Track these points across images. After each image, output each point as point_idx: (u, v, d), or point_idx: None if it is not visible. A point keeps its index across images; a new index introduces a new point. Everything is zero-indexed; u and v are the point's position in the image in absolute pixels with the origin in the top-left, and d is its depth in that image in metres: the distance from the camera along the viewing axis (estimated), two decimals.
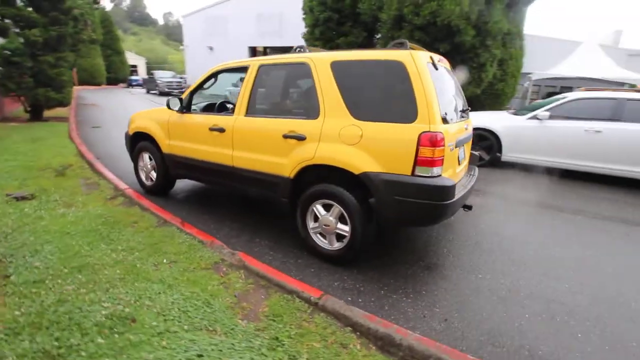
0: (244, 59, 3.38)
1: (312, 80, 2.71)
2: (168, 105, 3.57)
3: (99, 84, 26.84)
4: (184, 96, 3.63)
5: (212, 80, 3.63)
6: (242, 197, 4.24)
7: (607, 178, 5.47)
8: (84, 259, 2.47)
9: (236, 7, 24.22)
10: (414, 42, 9.17)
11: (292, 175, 2.79)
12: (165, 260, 2.55)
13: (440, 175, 2.30)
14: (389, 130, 2.34)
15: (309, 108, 2.72)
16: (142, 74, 42.83)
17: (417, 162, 2.25)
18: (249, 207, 3.98)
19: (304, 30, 12.97)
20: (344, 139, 2.50)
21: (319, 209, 2.74)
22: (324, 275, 2.60)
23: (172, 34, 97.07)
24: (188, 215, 3.57)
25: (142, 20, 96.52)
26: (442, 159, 2.27)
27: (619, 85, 16.08)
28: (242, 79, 4.60)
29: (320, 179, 2.72)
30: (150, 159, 4.10)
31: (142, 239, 2.85)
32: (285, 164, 2.82)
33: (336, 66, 2.62)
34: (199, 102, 3.99)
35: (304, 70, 2.79)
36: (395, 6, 9.02)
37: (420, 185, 2.27)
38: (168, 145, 3.78)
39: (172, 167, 3.84)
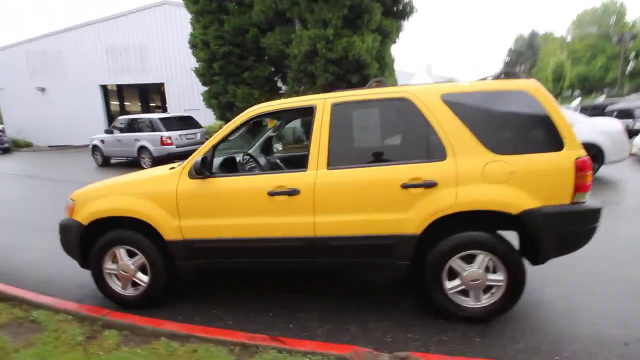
0: (296, 98, 2.62)
1: (422, 117, 2.33)
2: (197, 171, 2.41)
3: None
4: (199, 154, 2.55)
5: (243, 129, 2.69)
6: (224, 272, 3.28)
7: None
8: None
9: (75, 40, 20.03)
10: (329, 74, 9.64)
11: (419, 231, 2.29)
12: None
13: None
14: (540, 161, 2.20)
15: (429, 148, 2.31)
16: None
17: (576, 189, 2.18)
18: (261, 283, 3.10)
19: (197, 64, 11.78)
20: (489, 178, 2.21)
21: (459, 263, 2.32)
22: (495, 340, 2.18)
23: None
24: (216, 321, 2.48)
25: None
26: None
27: None
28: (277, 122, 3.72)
29: (455, 228, 2.33)
30: (131, 255, 2.69)
31: None
32: (407, 219, 2.29)
33: (450, 99, 2.33)
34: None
35: (404, 106, 2.38)
36: (306, 41, 9.25)
37: (580, 212, 2.21)
38: (178, 227, 2.56)
39: (186, 257, 2.62)
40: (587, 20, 49.44)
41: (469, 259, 2.31)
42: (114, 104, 24.62)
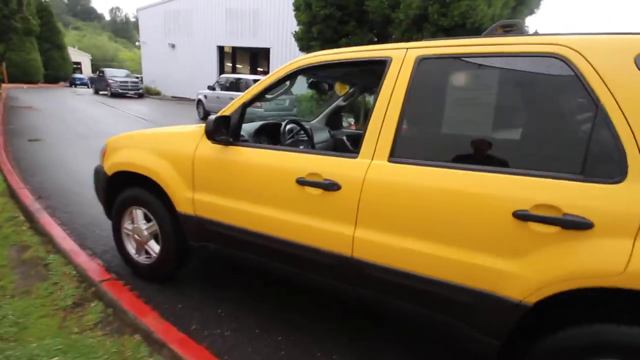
0: (364, 47, 1.75)
1: (588, 93, 1.22)
2: (210, 134, 1.82)
3: (35, 82, 22.81)
4: (227, 112, 1.93)
5: (286, 84, 1.98)
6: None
7: None
8: None
9: (203, 2, 21.89)
10: None
11: (530, 299, 1.27)
12: None
13: None
14: None
15: (588, 155, 1.22)
16: (87, 72, 38.17)
17: None
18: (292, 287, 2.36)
19: (296, 28, 11.42)
20: None
21: None
22: None
23: (120, 30, 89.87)
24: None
25: (85, 14, 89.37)
26: None
27: None
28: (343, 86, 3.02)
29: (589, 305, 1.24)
30: (148, 220, 2.32)
31: None
32: (513, 273, 1.29)
33: None
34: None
35: (553, 69, 1.29)
36: (416, 4, 7.83)
37: None
38: (190, 200, 2.05)
39: (196, 237, 2.12)
40: None
41: None
42: (228, 64, 26.70)
